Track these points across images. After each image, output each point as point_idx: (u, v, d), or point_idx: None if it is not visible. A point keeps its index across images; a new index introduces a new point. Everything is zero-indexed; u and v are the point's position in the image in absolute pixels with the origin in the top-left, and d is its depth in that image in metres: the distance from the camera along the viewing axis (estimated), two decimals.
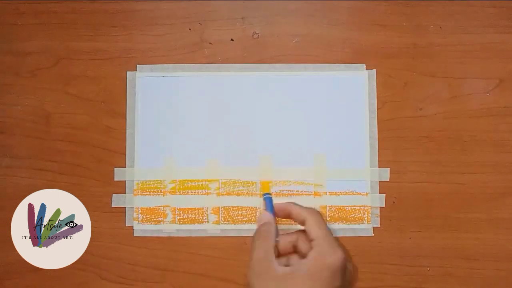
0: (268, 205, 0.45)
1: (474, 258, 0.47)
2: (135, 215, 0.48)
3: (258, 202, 0.48)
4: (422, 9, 0.49)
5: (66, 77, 0.50)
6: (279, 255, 0.42)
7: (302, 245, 0.41)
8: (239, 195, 0.48)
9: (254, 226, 0.48)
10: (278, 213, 0.44)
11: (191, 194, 0.49)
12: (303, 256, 0.41)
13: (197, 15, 0.50)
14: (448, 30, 0.49)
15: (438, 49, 0.49)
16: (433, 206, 0.48)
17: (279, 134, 0.49)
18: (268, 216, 0.44)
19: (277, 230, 0.43)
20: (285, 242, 0.42)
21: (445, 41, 0.49)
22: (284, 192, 0.48)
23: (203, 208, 0.49)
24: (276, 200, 0.48)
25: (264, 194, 0.47)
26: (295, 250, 0.42)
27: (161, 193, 0.49)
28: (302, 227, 0.43)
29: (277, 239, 0.42)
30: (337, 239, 0.40)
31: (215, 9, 0.50)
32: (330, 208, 0.48)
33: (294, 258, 0.42)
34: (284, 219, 0.45)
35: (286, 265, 0.40)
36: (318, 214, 0.42)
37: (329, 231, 0.41)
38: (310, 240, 0.40)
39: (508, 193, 0.48)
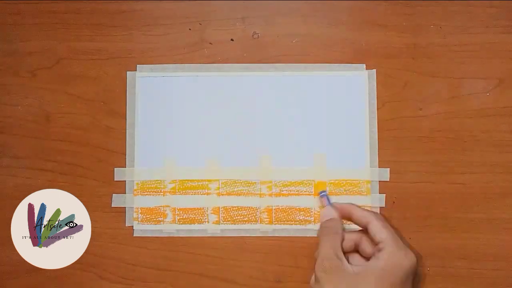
0: (328, 202, 0.45)
1: (474, 258, 0.47)
2: (135, 215, 0.48)
3: (258, 202, 0.48)
4: (422, 9, 0.49)
5: (66, 77, 0.50)
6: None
7: (366, 246, 0.40)
8: (239, 195, 0.48)
9: (254, 226, 0.48)
10: (338, 213, 0.43)
11: (191, 194, 0.49)
12: (365, 257, 0.40)
13: (197, 15, 0.50)
14: (448, 30, 0.49)
15: (438, 49, 0.49)
16: (433, 206, 0.48)
17: (279, 134, 0.49)
18: (332, 211, 0.43)
19: (342, 225, 0.42)
20: (347, 241, 0.41)
21: (445, 41, 0.49)
22: (284, 192, 0.48)
23: (203, 208, 0.49)
24: (276, 200, 0.48)
25: (320, 192, 0.46)
26: (356, 250, 0.41)
27: (161, 193, 0.49)
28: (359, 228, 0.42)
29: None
30: (406, 242, 0.39)
31: (215, 9, 0.50)
32: None
33: (356, 258, 0.41)
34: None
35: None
36: (382, 217, 0.41)
37: (396, 234, 0.40)
38: (375, 243, 0.39)
39: (508, 193, 0.48)
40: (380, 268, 0.37)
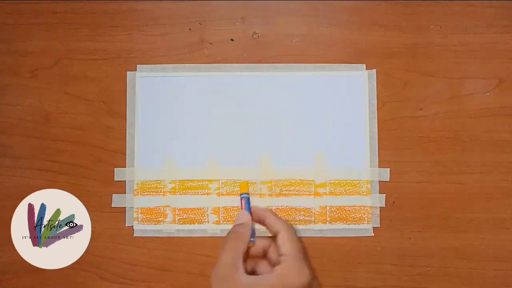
0: (246, 205, 0.44)
1: (474, 258, 0.47)
2: (135, 215, 0.48)
3: (258, 202, 0.48)
4: (422, 9, 0.49)
5: (66, 77, 0.50)
6: (249, 257, 0.41)
7: (273, 254, 0.41)
8: (239, 195, 0.48)
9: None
10: (254, 217, 0.43)
11: (191, 194, 0.49)
12: (272, 264, 0.40)
13: (197, 15, 0.50)
14: (448, 30, 0.49)
15: (438, 49, 0.49)
16: (433, 206, 0.48)
17: (279, 134, 0.49)
18: (245, 217, 0.43)
19: (253, 231, 0.42)
20: (257, 246, 0.42)
21: (445, 41, 0.49)
22: (284, 192, 0.48)
23: (203, 208, 0.49)
24: (276, 200, 0.48)
25: (241, 194, 0.45)
26: (265, 255, 0.42)
27: (161, 193, 0.49)
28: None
29: (252, 239, 0.41)
30: (306, 257, 0.40)
31: (215, 9, 0.50)
32: (330, 208, 0.48)
33: (262, 265, 0.42)
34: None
35: (253, 269, 0.40)
36: (291, 229, 0.41)
37: (301, 248, 0.40)
38: (279, 254, 0.39)
39: (508, 193, 0.48)
40: (270, 283, 0.37)
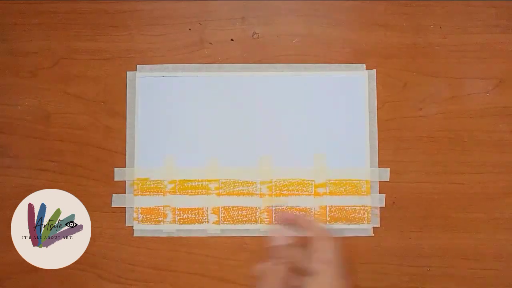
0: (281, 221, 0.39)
1: (474, 258, 0.47)
2: (135, 215, 0.48)
3: (258, 202, 0.48)
4: (422, 9, 0.49)
5: (66, 77, 0.50)
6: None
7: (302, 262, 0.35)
8: (239, 195, 0.48)
9: (254, 226, 0.48)
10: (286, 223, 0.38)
11: (191, 194, 0.49)
12: (298, 273, 0.36)
13: (197, 15, 0.50)
14: (448, 30, 0.49)
15: (438, 49, 0.49)
16: (433, 206, 0.48)
17: (279, 134, 0.49)
18: (280, 239, 0.36)
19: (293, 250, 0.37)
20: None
21: (445, 41, 0.49)
22: (284, 192, 0.48)
23: (203, 208, 0.49)
24: (276, 200, 0.48)
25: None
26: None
27: (161, 193, 0.49)
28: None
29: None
30: (342, 267, 0.36)
31: (215, 9, 0.50)
32: (330, 208, 0.48)
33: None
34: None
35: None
36: (331, 238, 0.36)
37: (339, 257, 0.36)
38: (318, 261, 0.34)
39: (508, 193, 0.48)
40: None
